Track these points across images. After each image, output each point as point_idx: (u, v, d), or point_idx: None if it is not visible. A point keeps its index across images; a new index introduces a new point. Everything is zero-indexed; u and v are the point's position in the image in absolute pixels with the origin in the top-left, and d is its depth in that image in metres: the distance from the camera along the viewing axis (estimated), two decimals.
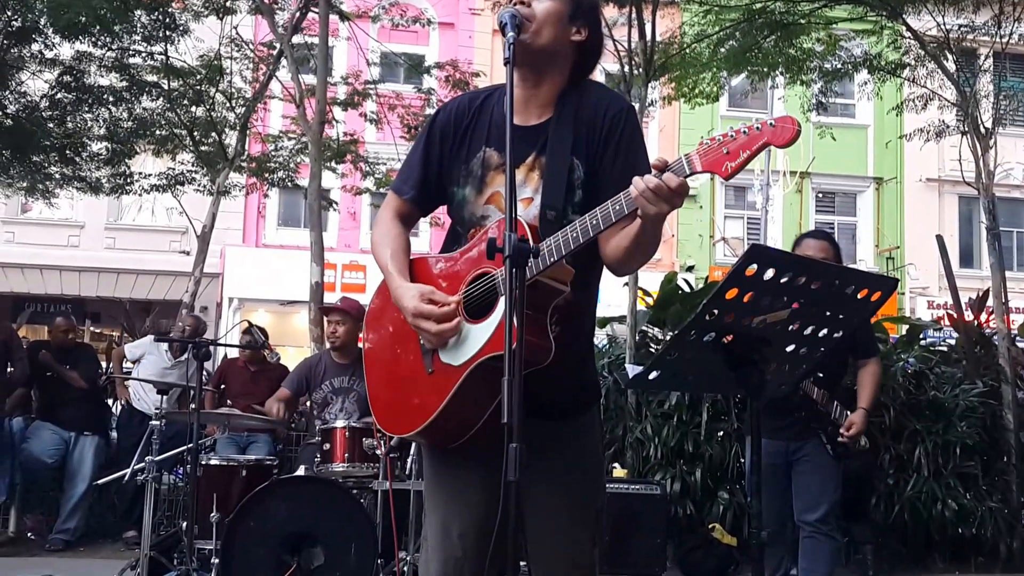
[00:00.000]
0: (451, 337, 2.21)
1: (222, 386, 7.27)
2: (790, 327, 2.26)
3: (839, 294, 2.22)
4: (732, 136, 2.00)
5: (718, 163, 2.01)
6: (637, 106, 9.12)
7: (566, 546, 2.34)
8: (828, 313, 2.27)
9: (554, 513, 2.33)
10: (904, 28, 9.80)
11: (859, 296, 2.24)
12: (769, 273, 2.09)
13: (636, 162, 2.31)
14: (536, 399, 2.04)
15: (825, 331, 2.30)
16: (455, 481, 2.39)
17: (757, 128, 1.99)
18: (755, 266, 2.08)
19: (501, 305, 2.15)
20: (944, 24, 9.65)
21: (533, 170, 2.32)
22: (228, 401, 6.86)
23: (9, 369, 7.28)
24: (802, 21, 9.83)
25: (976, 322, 8.74)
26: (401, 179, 2.50)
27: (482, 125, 2.39)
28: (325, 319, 6.32)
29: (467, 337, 2.20)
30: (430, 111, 12.59)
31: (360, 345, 6.26)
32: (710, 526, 6.93)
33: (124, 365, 8.06)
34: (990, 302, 8.78)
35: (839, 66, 10.67)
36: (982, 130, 9.24)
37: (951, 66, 9.59)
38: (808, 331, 2.28)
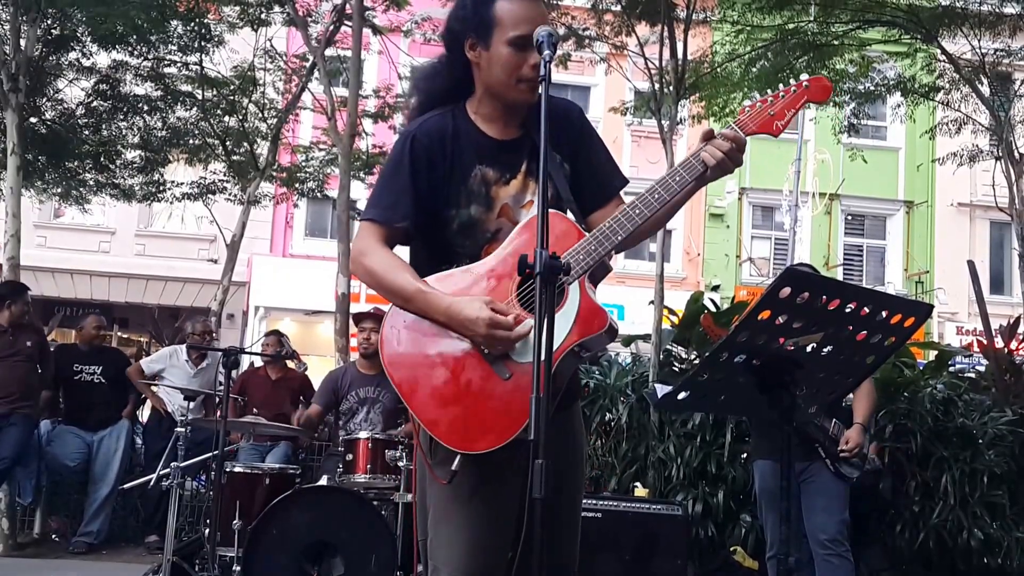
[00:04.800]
0: (524, 338, 2.23)
1: (243, 397, 7.29)
2: (822, 351, 2.24)
3: (872, 319, 2.21)
4: (771, 100, 2.30)
5: (767, 124, 2.33)
6: (667, 124, 9.13)
7: (574, 519, 2.52)
8: (860, 338, 2.25)
9: (567, 489, 2.45)
10: (939, 51, 9.76)
11: (892, 321, 2.23)
12: (803, 296, 2.08)
13: (608, 152, 2.60)
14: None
15: (857, 356, 2.28)
16: (494, 498, 2.33)
17: (794, 89, 2.29)
18: (789, 288, 2.08)
19: (571, 295, 2.26)
20: (979, 48, 9.59)
21: (528, 176, 2.43)
22: (254, 410, 6.88)
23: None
24: (835, 42, 9.81)
25: (1007, 349, 8.64)
26: (385, 207, 2.40)
27: (466, 145, 2.43)
28: (356, 327, 6.32)
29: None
30: None
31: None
32: (731, 549, 6.87)
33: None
34: (1021, 329, 8.68)
35: (872, 88, 10.63)
36: (1016, 155, 9.17)
37: (986, 90, 9.53)
38: (841, 356, 2.26)
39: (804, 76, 2.30)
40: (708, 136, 2.35)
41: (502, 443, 2.21)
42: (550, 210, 2.27)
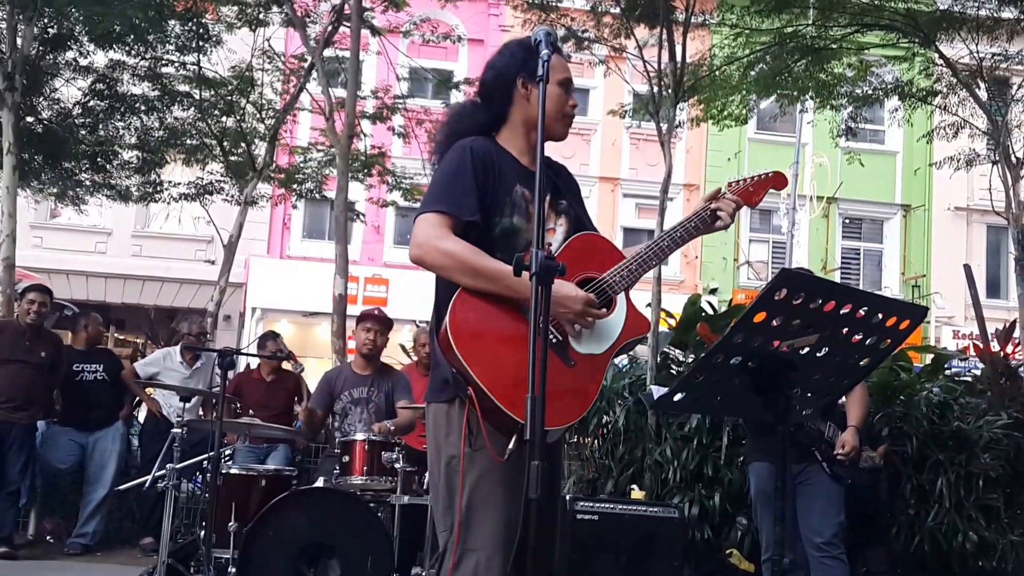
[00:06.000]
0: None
1: (236, 402, 7.27)
2: (817, 353, 2.24)
3: (867, 321, 2.21)
4: (749, 181, 2.90)
5: (748, 196, 2.87)
6: (665, 127, 9.12)
7: (554, 516, 2.74)
8: (855, 340, 2.25)
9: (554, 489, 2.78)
10: (936, 55, 9.76)
11: (887, 324, 2.23)
12: (798, 298, 2.09)
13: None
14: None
15: (853, 358, 2.28)
16: (518, 482, 2.40)
17: (762, 177, 2.90)
18: (784, 290, 2.08)
19: (620, 302, 2.68)
20: (977, 52, 9.60)
21: (550, 208, 2.76)
22: (250, 411, 6.87)
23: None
24: (833, 46, 9.80)
25: (1002, 353, 8.64)
26: (455, 202, 2.59)
27: (506, 166, 2.71)
28: (358, 326, 6.27)
29: (600, 329, 2.61)
30: None
31: (383, 358, 6.31)
32: (727, 551, 6.87)
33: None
34: (1017, 333, 8.69)
35: (870, 92, 10.63)
36: (1013, 159, 9.18)
37: (983, 94, 9.53)
38: (836, 358, 2.26)
39: (769, 170, 2.96)
40: (715, 195, 2.81)
41: (569, 423, 2.54)
42: (597, 233, 2.80)
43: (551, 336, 2.49)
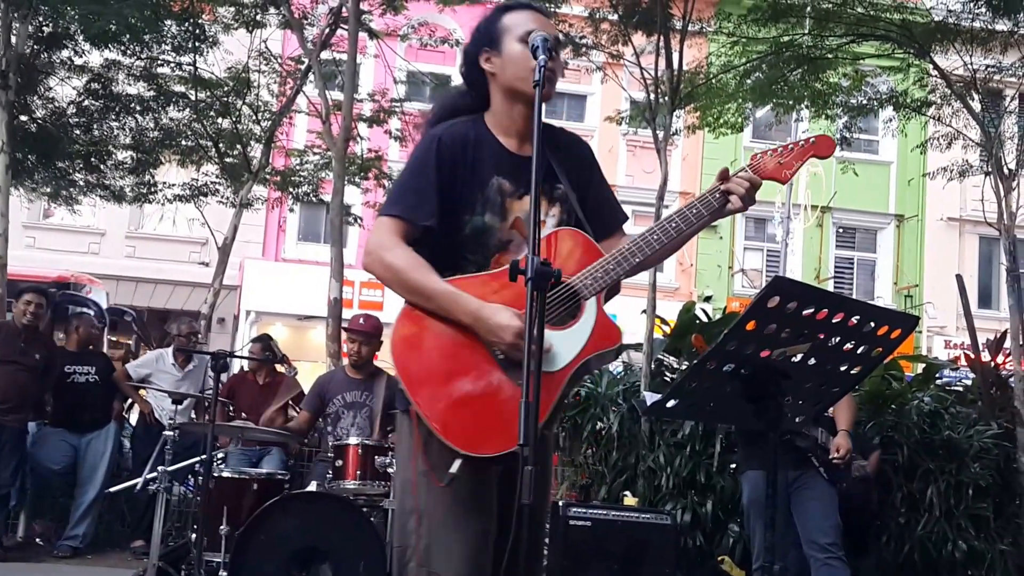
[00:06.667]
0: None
1: (230, 404, 7.25)
2: (809, 361, 2.25)
3: (859, 330, 2.22)
4: (781, 151, 2.46)
5: (777, 171, 2.45)
6: (661, 134, 9.15)
7: (542, 524, 2.70)
8: (847, 348, 2.26)
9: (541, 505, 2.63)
10: (931, 66, 9.80)
11: (879, 333, 2.24)
12: (791, 306, 2.09)
13: (611, 189, 2.71)
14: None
15: (844, 367, 2.29)
16: (487, 505, 2.37)
17: (802, 144, 2.45)
18: (777, 298, 2.09)
19: (588, 310, 2.33)
20: (971, 64, 9.64)
21: (541, 196, 2.40)
22: (243, 415, 6.86)
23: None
24: (829, 56, 9.84)
25: (993, 363, 8.67)
26: (411, 205, 2.42)
27: (486, 154, 2.48)
28: (346, 335, 6.30)
29: (559, 343, 2.29)
30: None
31: (377, 363, 6.30)
32: (719, 559, 6.88)
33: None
34: (1008, 344, 8.71)
35: (864, 102, 10.67)
36: (1005, 171, 9.21)
37: (977, 106, 9.57)
38: (828, 367, 2.27)
39: (812, 134, 2.50)
40: (724, 176, 2.44)
41: (510, 449, 2.12)
42: (573, 228, 2.45)
43: (496, 352, 2.30)
